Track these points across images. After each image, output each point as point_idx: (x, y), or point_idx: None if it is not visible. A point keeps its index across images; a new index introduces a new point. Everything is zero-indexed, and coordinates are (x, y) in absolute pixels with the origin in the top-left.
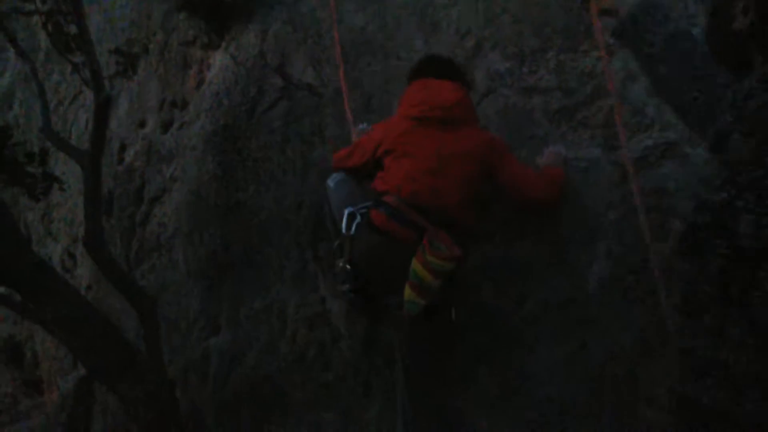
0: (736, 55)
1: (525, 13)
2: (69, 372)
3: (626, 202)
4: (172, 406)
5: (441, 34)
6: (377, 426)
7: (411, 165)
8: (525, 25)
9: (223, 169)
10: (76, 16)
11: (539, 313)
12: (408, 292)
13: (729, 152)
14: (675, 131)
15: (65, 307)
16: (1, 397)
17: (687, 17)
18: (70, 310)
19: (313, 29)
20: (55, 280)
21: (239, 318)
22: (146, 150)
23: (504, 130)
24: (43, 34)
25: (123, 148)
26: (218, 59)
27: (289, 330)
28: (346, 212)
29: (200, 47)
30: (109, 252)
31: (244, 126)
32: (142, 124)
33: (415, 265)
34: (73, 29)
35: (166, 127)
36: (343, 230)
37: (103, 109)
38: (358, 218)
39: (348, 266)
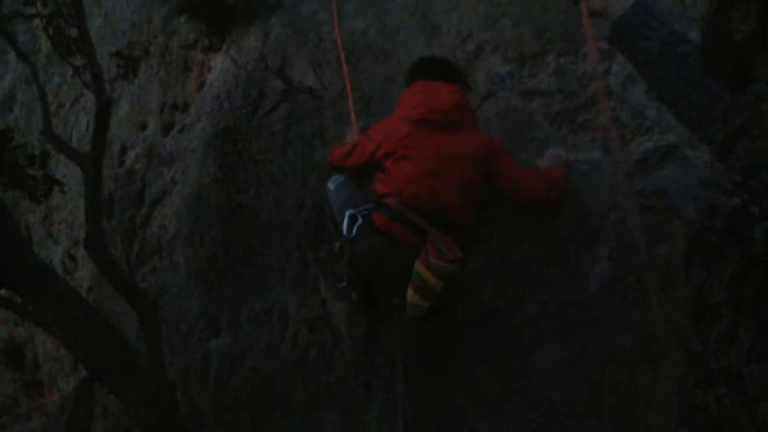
0: (734, 62)
1: (525, 17)
2: (70, 374)
3: (627, 204)
4: (173, 408)
5: (442, 37)
6: (377, 426)
7: (411, 167)
8: (525, 28)
9: (224, 171)
10: (76, 19)
11: (539, 314)
12: (411, 294)
13: (740, 156)
14: (675, 134)
15: (66, 309)
16: (1, 398)
17: (682, 22)
18: (70, 312)
19: (314, 32)
20: (56, 283)
21: (240, 320)
22: (147, 152)
23: (504, 132)
24: (44, 37)
25: (124, 150)
26: (219, 62)
27: (290, 332)
28: (347, 214)
29: (201, 50)
30: (110, 254)
31: (245, 129)
32: (142, 127)
33: (419, 267)
34: (73, 32)
35: (166, 129)
36: (344, 232)
37: (103, 111)
38: (360, 220)
39: (349, 267)
